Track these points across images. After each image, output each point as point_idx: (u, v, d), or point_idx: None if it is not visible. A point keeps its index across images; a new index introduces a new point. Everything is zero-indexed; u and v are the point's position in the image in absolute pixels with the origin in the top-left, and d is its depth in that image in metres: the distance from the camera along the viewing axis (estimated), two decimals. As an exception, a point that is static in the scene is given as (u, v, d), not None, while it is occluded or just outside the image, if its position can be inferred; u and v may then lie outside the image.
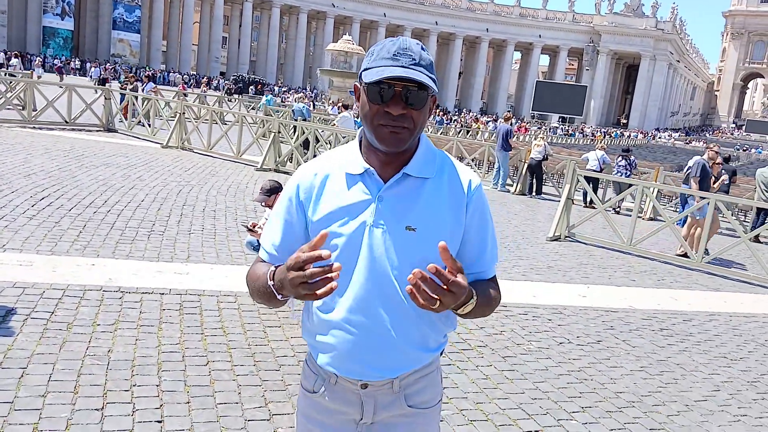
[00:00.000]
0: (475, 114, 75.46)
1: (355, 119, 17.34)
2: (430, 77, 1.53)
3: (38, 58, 50.16)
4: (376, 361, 1.63)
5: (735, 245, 9.99)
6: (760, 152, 65.83)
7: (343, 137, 14.22)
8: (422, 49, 1.56)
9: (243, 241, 6.80)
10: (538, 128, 54.28)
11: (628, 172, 15.57)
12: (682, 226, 13.35)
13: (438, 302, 1.40)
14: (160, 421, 3.29)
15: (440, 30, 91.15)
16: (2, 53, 48.53)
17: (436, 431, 1.83)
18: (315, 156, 12.29)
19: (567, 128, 64.50)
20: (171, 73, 68.47)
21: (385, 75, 1.49)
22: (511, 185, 16.14)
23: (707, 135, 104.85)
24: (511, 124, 16.99)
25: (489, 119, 57.24)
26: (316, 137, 14.49)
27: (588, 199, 14.76)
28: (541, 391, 4.35)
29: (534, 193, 15.93)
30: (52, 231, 6.48)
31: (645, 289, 7.83)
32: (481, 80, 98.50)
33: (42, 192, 8.13)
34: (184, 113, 15.49)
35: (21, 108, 16.12)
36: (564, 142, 45.06)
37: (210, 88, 50.11)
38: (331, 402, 1.71)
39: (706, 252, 9.53)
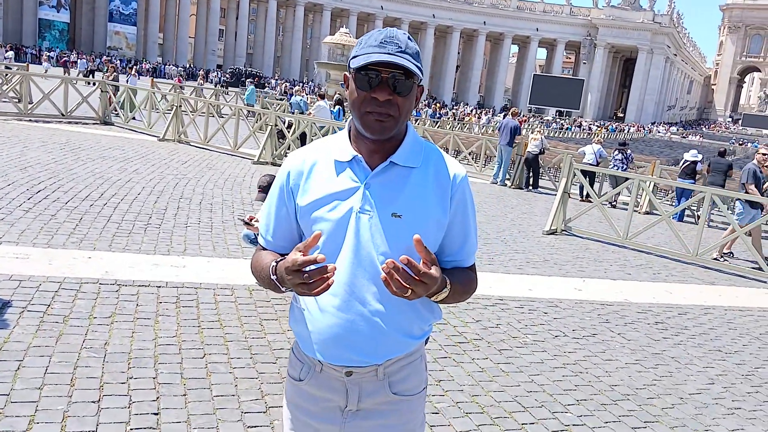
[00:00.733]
0: (472, 107, 75.36)
1: (331, 109, 17.32)
2: (415, 65, 1.57)
3: (45, 52, 49.96)
4: (361, 347, 1.65)
5: (731, 239, 10.02)
6: (756, 146, 65.92)
7: (339, 128, 14.18)
8: (409, 38, 1.61)
9: (240, 234, 6.80)
10: (540, 122, 54.18)
11: (625, 166, 15.60)
12: (678, 220, 13.41)
13: (410, 291, 1.47)
14: (156, 414, 3.30)
15: (437, 23, 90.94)
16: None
17: (421, 418, 1.85)
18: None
19: (562, 122, 64.12)
20: (167, 66, 68.24)
21: (372, 60, 1.54)
22: (509, 179, 16.15)
23: (704, 129, 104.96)
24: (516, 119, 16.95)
25: (485, 113, 57.22)
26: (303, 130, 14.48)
27: (584, 193, 14.79)
28: (536, 383, 4.37)
29: (531, 187, 15.95)
30: (48, 224, 6.47)
31: (640, 283, 7.85)
32: (479, 74, 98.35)
33: (38, 185, 8.11)
34: (180, 106, 15.45)
35: (17, 101, 16.07)
36: (560, 135, 45.06)
37: (206, 81, 49.92)
38: (317, 389, 1.74)
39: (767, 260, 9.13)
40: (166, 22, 79.88)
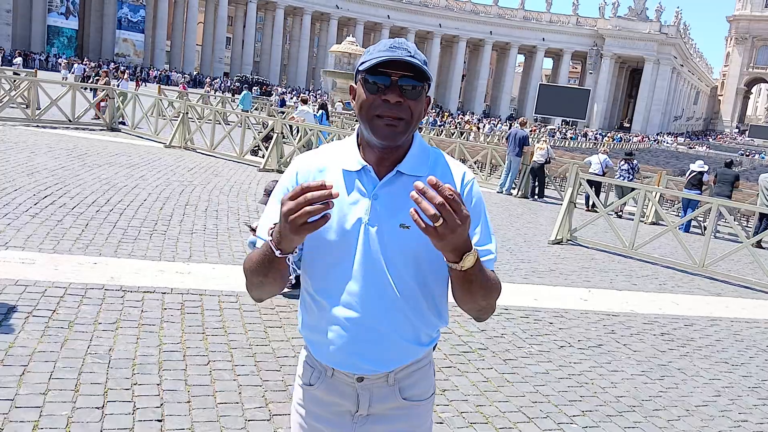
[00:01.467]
0: (477, 116, 75.39)
1: (315, 114, 17.35)
2: (425, 70, 1.57)
3: (63, 59, 50.05)
4: (371, 355, 1.66)
5: (737, 250, 9.99)
6: (763, 157, 65.77)
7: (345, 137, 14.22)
8: (417, 48, 1.61)
9: (245, 241, 6.81)
10: (552, 133, 54.06)
11: (631, 176, 15.57)
12: (685, 231, 13.36)
13: (441, 220, 1.31)
14: (160, 420, 3.29)
15: (444, 32, 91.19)
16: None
17: (429, 424, 1.86)
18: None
19: (565, 132, 63.72)
20: (173, 73, 68.58)
21: (383, 58, 1.53)
22: (514, 188, 16.14)
23: (710, 140, 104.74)
24: (525, 129, 16.96)
25: (488, 121, 57.14)
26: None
27: (590, 203, 14.75)
28: (541, 394, 4.35)
29: (536, 196, 15.93)
30: (54, 229, 6.49)
31: (646, 294, 7.82)
32: (485, 83, 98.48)
33: (45, 190, 8.14)
34: (187, 113, 15.51)
35: (25, 106, 16.16)
36: (565, 145, 44.98)
37: (212, 89, 50.07)
38: (327, 394, 1.74)
39: None
40: (173, 30, 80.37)
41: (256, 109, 28.61)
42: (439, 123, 39.78)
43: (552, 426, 3.91)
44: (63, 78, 34.81)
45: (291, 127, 15.28)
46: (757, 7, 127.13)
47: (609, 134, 67.81)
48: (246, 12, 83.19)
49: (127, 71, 34.45)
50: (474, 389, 4.26)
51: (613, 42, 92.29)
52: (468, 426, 3.74)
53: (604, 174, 15.32)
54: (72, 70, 36.62)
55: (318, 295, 1.67)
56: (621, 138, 64.66)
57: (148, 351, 4.06)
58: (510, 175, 15.90)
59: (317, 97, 51.93)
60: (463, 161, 18.70)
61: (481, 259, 1.57)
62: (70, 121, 16.14)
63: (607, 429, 3.98)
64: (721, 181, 14.10)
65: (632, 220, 10.95)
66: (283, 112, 23.85)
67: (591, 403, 4.33)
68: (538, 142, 17.46)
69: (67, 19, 66.90)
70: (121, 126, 17.28)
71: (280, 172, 13.47)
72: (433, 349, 1.83)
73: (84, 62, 46.80)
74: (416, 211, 1.32)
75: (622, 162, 15.98)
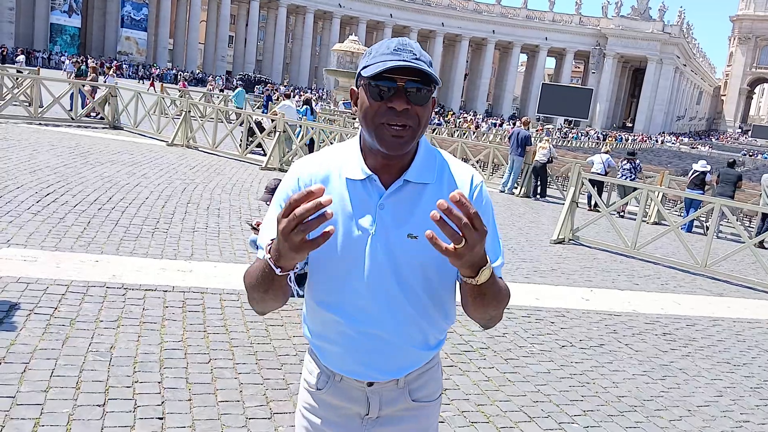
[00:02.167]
0: (480, 115, 75.32)
1: (298, 108, 17.33)
2: (432, 73, 1.49)
3: (71, 58, 49.80)
4: (381, 365, 1.64)
5: (739, 250, 9.97)
6: (766, 158, 65.65)
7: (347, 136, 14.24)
8: (421, 48, 1.53)
9: (247, 239, 6.81)
10: (549, 132, 53.91)
11: (633, 176, 15.55)
12: (687, 230, 13.33)
13: (463, 240, 1.25)
14: (161, 418, 3.29)
15: (446, 31, 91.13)
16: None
17: (436, 425, 1.85)
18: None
19: (566, 132, 63.12)
20: (172, 71, 68.62)
21: (389, 66, 1.44)
22: (516, 187, 16.13)
23: (713, 140, 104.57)
24: (528, 129, 16.93)
25: (488, 121, 56.98)
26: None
27: (592, 203, 14.74)
28: (543, 394, 4.34)
29: (538, 196, 15.91)
30: (56, 227, 6.50)
31: (648, 293, 7.81)
32: (487, 82, 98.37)
33: (47, 188, 8.15)
34: (189, 111, 15.52)
35: (27, 104, 16.17)
36: (566, 144, 44.89)
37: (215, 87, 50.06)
38: (336, 399, 1.72)
39: None
40: (176, 28, 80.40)
41: (258, 108, 28.58)
42: (439, 122, 39.63)
43: (553, 425, 3.90)
44: (68, 74, 34.60)
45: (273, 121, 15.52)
46: (761, 6, 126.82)
47: (612, 134, 67.52)
48: (249, 10, 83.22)
49: (113, 67, 33.83)
50: (475, 388, 4.25)
51: (615, 41, 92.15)
52: (469, 425, 3.74)
53: (606, 173, 15.31)
54: (64, 68, 36.34)
55: (325, 307, 1.63)
56: (622, 138, 64.49)
57: (150, 349, 4.06)
58: (512, 174, 15.89)
59: (319, 95, 52.00)
60: (466, 161, 18.70)
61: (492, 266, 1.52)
62: (72, 119, 16.16)
63: (608, 429, 3.97)
64: (724, 181, 14.08)
65: (634, 219, 10.94)
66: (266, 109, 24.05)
67: (592, 402, 4.32)
68: (540, 141, 17.45)
69: (70, 17, 66.97)
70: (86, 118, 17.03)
71: (282, 170, 13.47)
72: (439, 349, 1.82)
73: (73, 59, 46.24)
74: (434, 235, 1.25)
75: (624, 161, 15.97)
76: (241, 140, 15.06)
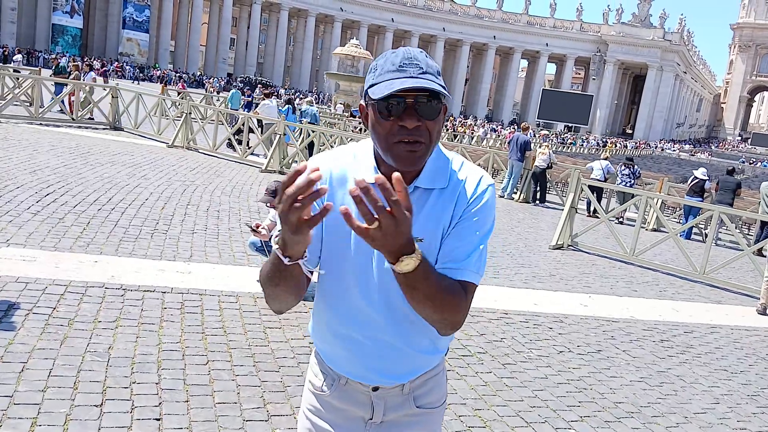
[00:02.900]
0: (481, 120, 75.34)
1: (279, 108, 17.33)
2: (440, 85, 1.47)
3: (87, 61, 49.45)
4: (386, 370, 1.65)
5: (738, 258, 9.97)
6: (765, 165, 65.75)
7: (348, 140, 14.26)
8: (426, 56, 1.50)
9: (246, 241, 6.81)
10: (545, 138, 53.79)
11: (632, 181, 15.56)
12: (686, 238, 13.35)
13: (376, 223, 1.22)
14: (158, 419, 3.29)
15: (447, 36, 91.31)
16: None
17: (439, 429, 1.84)
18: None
19: (563, 138, 62.54)
20: (174, 73, 68.70)
21: (396, 88, 1.41)
22: (516, 193, 16.14)
23: (712, 147, 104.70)
24: (528, 134, 16.94)
25: (482, 125, 56.80)
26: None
27: (591, 209, 14.75)
28: (540, 399, 4.34)
29: (538, 201, 15.93)
30: (55, 227, 6.50)
31: (646, 300, 7.81)
32: (488, 87, 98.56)
33: (47, 188, 8.16)
34: (190, 113, 15.54)
35: (28, 104, 16.17)
36: (566, 150, 44.88)
37: (214, 89, 50.12)
38: (341, 402, 1.72)
39: None
40: (178, 30, 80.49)
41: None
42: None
43: (550, 431, 3.90)
44: (92, 79, 34.05)
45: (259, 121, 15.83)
46: (761, 15, 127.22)
47: (611, 140, 67.42)
48: (250, 13, 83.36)
49: (93, 64, 32.94)
50: (472, 393, 4.25)
51: (616, 48, 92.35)
52: (466, 430, 3.74)
53: (605, 180, 15.33)
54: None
55: (330, 310, 1.64)
56: (618, 144, 64.49)
57: (148, 350, 4.06)
58: (512, 179, 15.91)
59: (322, 99, 52.02)
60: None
61: (443, 267, 1.50)
62: (72, 119, 16.17)
63: (605, 435, 3.97)
64: (723, 189, 14.09)
65: (633, 226, 10.95)
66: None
67: (589, 408, 4.32)
68: (540, 147, 17.48)
69: (71, 17, 67.06)
70: (89, 121, 16.96)
71: (282, 173, 13.48)
72: (446, 354, 1.81)
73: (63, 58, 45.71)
74: (347, 210, 1.21)
75: (623, 166, 15.99)
76: (229, 139, 15.17)
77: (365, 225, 1.23)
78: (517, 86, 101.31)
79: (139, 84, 47.14)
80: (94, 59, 58.33)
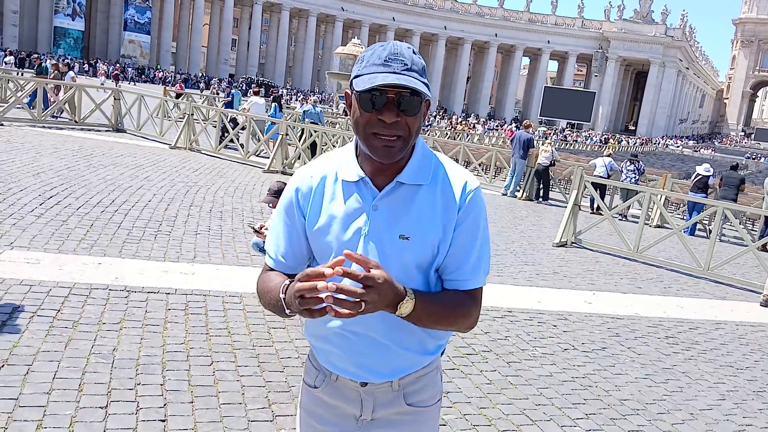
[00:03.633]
0: (483, 118, 75.29)
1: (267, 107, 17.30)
2: (423, 82, 1.49)
3: (102, 65, 49.06)
4: (375, 366, 1.66)
5: (742, 254, 9.94)
6: (769, 161, 65.49)
7: (349, 139, 14.26)
8: (414, 53, 1.52)
9: (249, 242, 6.81)
10: (563, 135, 53.57)
11: (637, 177, 15.52)
12: (690, 234, 13.32)
13: (363, 304, 1.35)
14: (163, 420, 3.29)
15: (449, 34, 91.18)
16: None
17: (435, 429, 1.84)
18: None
19: (565, 135, 62.24)
20: (175, 74, 68.84)
21: (377, 83, 1.45)
22: (519, 190, 16.12)
23: (716, 143, 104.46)
24: (529, 132, 16.92)
25: (482, 122, 56.76)
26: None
27: (595, 206, 14.72)
28: (545, 397, 4.34)
29: (541, 199, 15.90)
30: (59, 229, 6.51)
31: (651, 297, 7.79)
32: (489, 85, 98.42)
33: (50, 191, 8.17)
34: (192, 114, 15.56)
35: (31, 107, 16.19)
36: (568, 147, 44.81)
37: (217, 91, 50.12)
38: (331, 398, 1.74)
39: None
40: (179, 32, 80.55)
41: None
42: (429, 122, 39.51)
43: (555, 429, 3.90)
44: (100, 84, 33.69)
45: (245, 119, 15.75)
46: (764, 10, 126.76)
47: (613, 137, 67.27)
48: (252, 14, 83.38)
49: (70, 63, 32.41)
50: (477, 391, 4.25)
51: (618, 44, 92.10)
52: (471, 428, 3.74)
53: (608, 177, 15.30)
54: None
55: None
56: (621, 140, 64.41)
57: (152, 351, 4.07)
58: (515, 177, 15.89)
59: (324, 98, 52.02)
60: (468, 163, 18.71)
61: (451, 279, 1.61)
62: (75, 122, 16.20)
63: (610, 432, 3.97)
64: (727, 185, 14.05)
65: (637, 222, 10.93)
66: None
67: (594, 406, 4.32)
68: (542, 144, 17.45)
69: (73, 20, 67.16)
70: (60, 118, 16.88)
71: (285, 173, 13.49)
72: (441, 355, 1.80)
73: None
74: (332, 307, 1.34)
75: (627, 162, 15.96)
76: (221, 138, 15.20)
77: (355, 311, 1.35)
78: (519, 84, 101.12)
79: (135, 85, 47.13)
80: (101, 62, 58.39)
